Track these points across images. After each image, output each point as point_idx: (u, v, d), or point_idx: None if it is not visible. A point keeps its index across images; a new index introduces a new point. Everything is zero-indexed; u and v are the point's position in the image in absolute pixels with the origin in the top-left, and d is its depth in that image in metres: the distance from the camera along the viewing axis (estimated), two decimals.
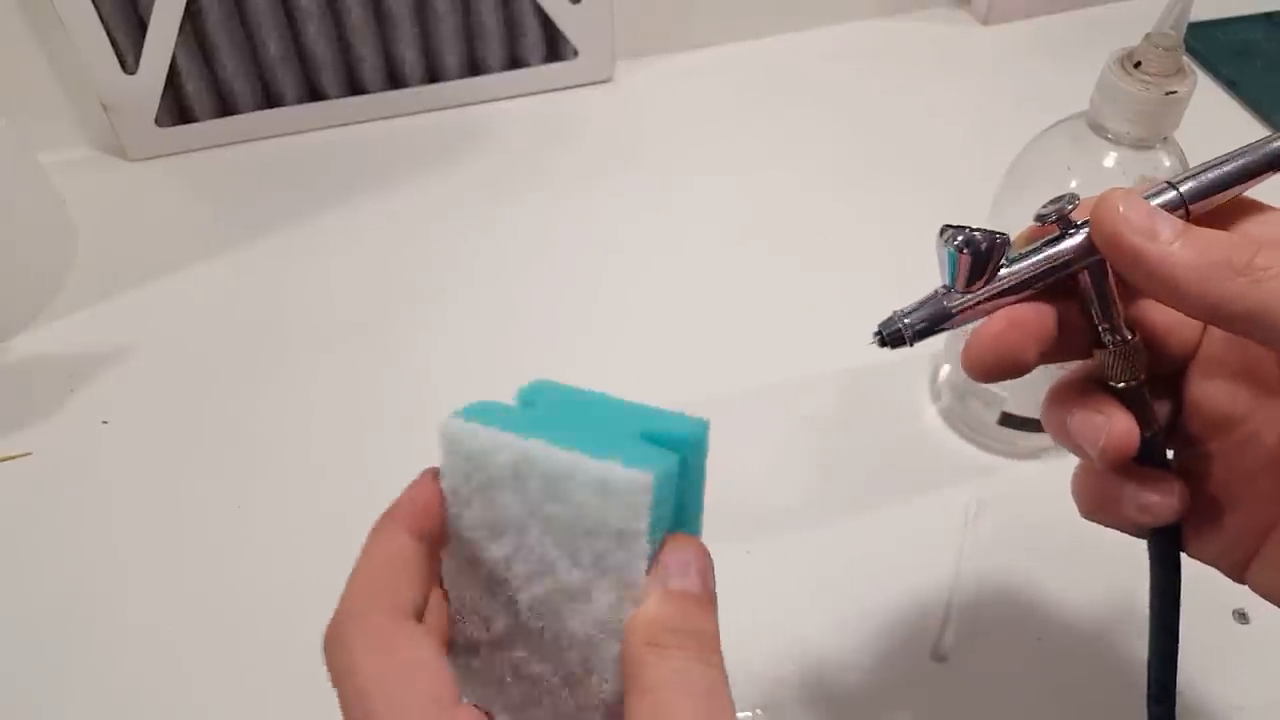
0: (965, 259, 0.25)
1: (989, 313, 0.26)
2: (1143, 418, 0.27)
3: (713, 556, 0.24)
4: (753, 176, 0.64)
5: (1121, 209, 0.24)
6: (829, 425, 0.50)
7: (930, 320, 0.26)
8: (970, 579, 0.44)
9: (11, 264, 0.55)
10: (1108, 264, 0.25)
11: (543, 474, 0.22)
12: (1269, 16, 0.76)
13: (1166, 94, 0.36)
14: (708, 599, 0.23)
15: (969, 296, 0.26)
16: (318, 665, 0.46)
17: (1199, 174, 0.25)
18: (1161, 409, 0.28)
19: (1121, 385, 0.26)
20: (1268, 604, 0.42)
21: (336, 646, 0.22)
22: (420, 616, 0.24)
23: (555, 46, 0.70)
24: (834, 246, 0.59)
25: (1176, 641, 0.30)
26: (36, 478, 0.49)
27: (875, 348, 0.26)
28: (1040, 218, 0.26)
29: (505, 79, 0.69)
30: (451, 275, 0.58)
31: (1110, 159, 0.38)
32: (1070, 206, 0.25)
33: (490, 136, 0.68)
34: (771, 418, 0.50)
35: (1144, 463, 0.27)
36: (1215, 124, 0.66)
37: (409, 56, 0.67)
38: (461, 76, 0.68)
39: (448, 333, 0.55)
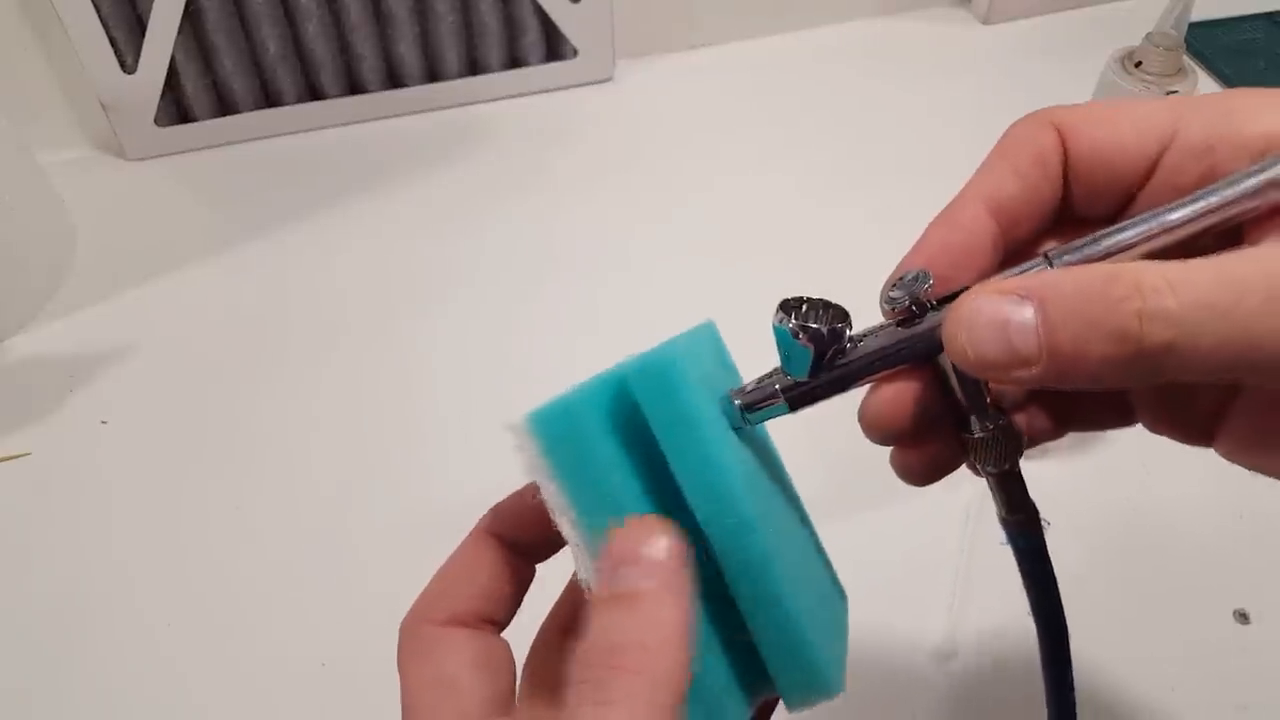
0: (806, 347, 0.23)
1: (825, 398, 0.24)
2: (1018, 500, 0.25)
3: None
4: (753, 175, 0.64)
5: (971, 354, 0.20)
6: (829, 426, 0.50)
7: (765, 401, 0.25)
8: (972, 578, 0.44)
9: (11, 264, 0.55)
10: None
11: None
12: (1269, 16, 0.76)
13: (1166, 94, 0.36)
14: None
15: (805, 384, 0.24)
16: (315, 664, 0.45)
17: (1083, 246, 0.21)
18: None
19: (994, 471, 0.24)
20: (1268, 604, 0.42)
21: (398, 647, 0.22)
22: (494, 621, 0.23)
23: (555, 46, 0.70)
24: (834, 245, 0.59)
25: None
26: (36, 478, 0.49)
27: None
28: (891, 301, 0.23)
29: (505, 79, 0.69)
30: (451, 274, 0.58)
31: None
32: (926, 287, 0.22)
33: (490, 136, 0.68)
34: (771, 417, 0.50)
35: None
36: None
37: (409, 56, 0.67)
38: (461, 76, 0.68)
39: (448, 331, 0.55)
